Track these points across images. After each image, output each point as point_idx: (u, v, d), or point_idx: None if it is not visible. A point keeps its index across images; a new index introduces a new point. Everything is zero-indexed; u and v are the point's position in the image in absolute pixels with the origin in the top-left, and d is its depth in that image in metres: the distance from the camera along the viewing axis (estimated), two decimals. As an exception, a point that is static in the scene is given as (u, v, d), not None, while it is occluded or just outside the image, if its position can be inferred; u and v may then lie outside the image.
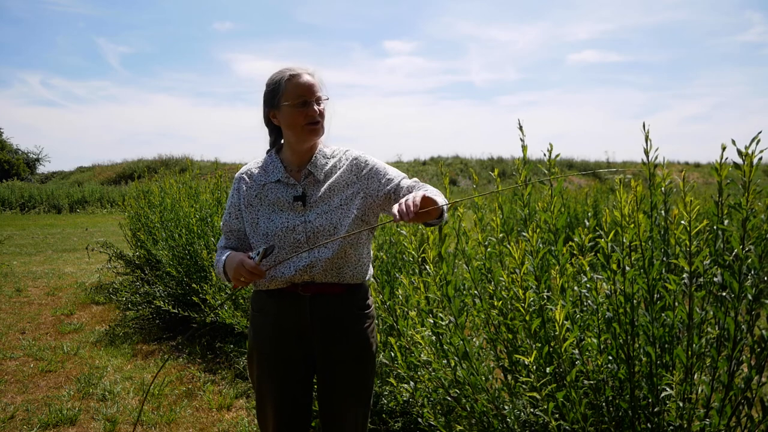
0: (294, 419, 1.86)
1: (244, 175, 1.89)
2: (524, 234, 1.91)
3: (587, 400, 1.77)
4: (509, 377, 2.05)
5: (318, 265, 1.76)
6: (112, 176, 26.52)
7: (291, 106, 1.77)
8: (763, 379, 1.61)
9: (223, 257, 1.82)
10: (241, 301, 3.71)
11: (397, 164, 29.02)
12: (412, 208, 1.48)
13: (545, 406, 1.64)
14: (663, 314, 1.72)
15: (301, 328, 1.80)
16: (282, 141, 1.90)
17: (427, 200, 1.54)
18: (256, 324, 1.88)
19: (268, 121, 1.87)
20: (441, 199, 1.65)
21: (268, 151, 1.94)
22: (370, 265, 1.91)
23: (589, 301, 1.86)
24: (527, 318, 1.81)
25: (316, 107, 1.77)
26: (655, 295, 1.71)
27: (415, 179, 1.81)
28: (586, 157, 31.77)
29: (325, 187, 1.81)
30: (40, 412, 3.29)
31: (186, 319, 4.57)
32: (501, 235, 2.07)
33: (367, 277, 1.89)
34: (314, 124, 1.77)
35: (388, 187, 1.80)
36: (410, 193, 1.72)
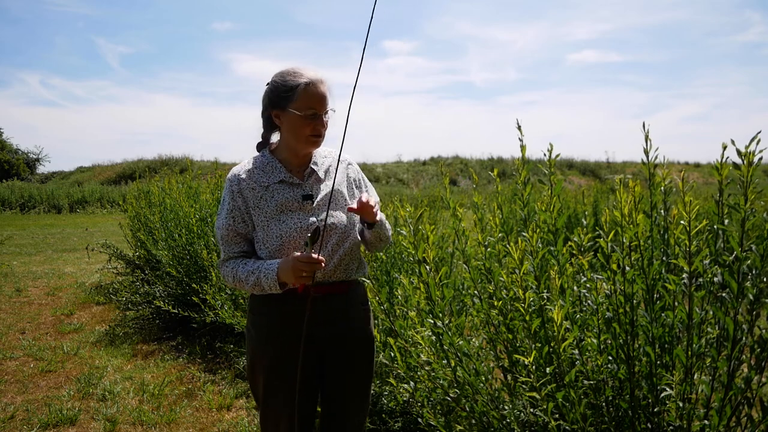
0: (301, 427, 1.85)
1: (243, 177, 1.78)
2: (524, 234, 1.90)
3: (587, 400, 1.77)
4: (509, 377, 2.04)
5: (330, 263, 1.77)
6: (112, 176, 26.50)
7: (300, 116, 1.72)
8: (763, 379, 1.61)
9: (261, 273, 1.70)
10: (241, 301, 3.71)
11: (397, 164, 29.02)
12: (364, 201, 1.73)
13: (545, 406, 1.64)
14: (663, 314, 1.72)
15: (308, 329, 1.79)
16: (272, 139, 1.88)
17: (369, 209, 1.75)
18: (260, 328, 1.82)
19: (269, 118, 1.81)
20: (386, 227, 1.89)
21: (258, 148, 1.88)
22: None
23: (588, 301, 1.85)
24: (527, 318, 1.81)
25: (324, 119, 1.75)
26: (655, 295, 1.71)
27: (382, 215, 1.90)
28: (586, 157, 31.74)
29: (328, 184, 1.84)
30: (40, 412, 3.30)
31: (186, 319, 4.57)
32: (500, 235, 2.07)
33: (365, 270, 1.94)
34: (317, 137, 1.76)
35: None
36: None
